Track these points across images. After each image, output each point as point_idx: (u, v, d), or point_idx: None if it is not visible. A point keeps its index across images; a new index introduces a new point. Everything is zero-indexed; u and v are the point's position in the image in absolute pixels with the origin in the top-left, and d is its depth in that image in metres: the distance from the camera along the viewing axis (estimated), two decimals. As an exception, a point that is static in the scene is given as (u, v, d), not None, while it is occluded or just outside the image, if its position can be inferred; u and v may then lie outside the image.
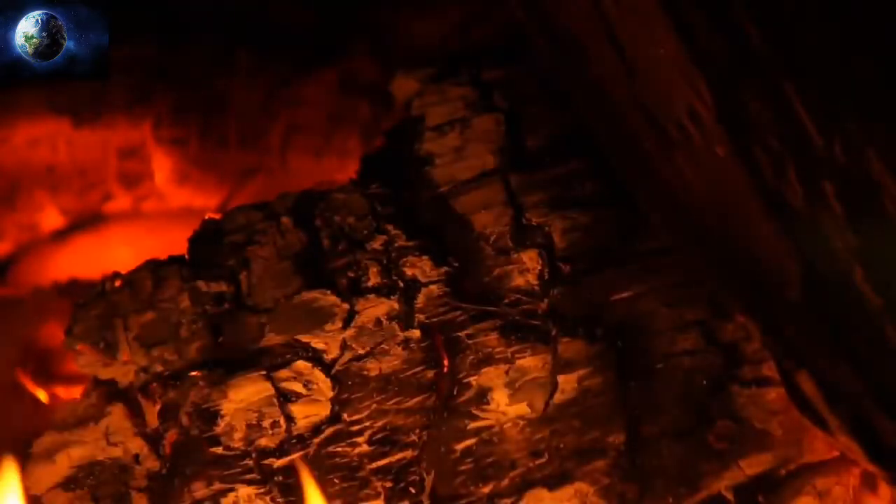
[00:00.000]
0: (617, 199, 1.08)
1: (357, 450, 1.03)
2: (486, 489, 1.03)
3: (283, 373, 1.03)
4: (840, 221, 0.75)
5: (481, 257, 1.07)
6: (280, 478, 1.03)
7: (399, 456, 1.03)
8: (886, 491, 1.04)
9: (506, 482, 1.03)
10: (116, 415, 1.03)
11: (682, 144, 0.85)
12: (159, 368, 1.04)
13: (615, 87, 0.92)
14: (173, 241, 1.12)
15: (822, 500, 1.05)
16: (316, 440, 1.03)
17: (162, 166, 1.37)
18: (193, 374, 1.03)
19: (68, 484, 1.03)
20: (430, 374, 1.04)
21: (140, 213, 1.40)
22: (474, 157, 1.09)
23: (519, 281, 1.06)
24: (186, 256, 1.08)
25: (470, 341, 1.05)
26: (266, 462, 1.03)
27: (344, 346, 1.04)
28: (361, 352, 1.04)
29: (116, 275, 1.07)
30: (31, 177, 1.35)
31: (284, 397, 1.03)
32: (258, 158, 1.37)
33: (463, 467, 1.03)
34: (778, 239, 0.81)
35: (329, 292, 1.04)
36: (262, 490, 1.02)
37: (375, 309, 1.05)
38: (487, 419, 1.04)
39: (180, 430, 1.03)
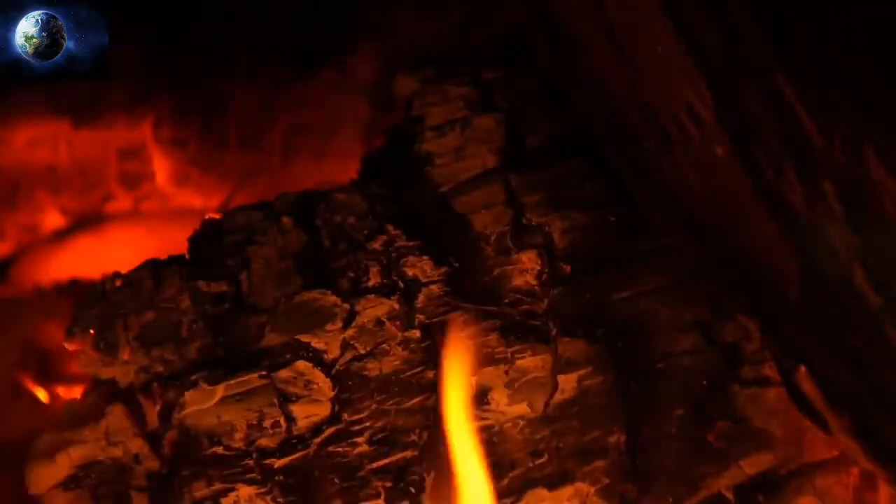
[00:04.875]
0: (617, 199, 1.08)
1: (357, 450, 1.03)
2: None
3: (284, 373, 1.03)
4: (840, 221, 0.75)
5: (481, 257, 1.07)
6: (280, 478, 1.02)
7: (399, 456, 1.03)
8: (886, 491, 1.04)
9: (506, 482, 1.03)
10: (116, 415, 1.03)
11: (682, 144, 0.84)
12: (159, 368, 1.04)
13: (615, 87, 0.92)
14: (173, 241, 1.12)
15: (822, 500, 1.05)
16: (316, 440, 1.03)
17: (162, 166, 1.36)
18: (194, 377, 1.03)
19: (68, 484, 1.02)
20: (430, 374, 1.04)
21: (140, 214, 1.39)
22: (474, 157, 1.09)
23: (519, 281, 1.06)
24: (186, 256, 1.08)
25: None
26: (266, 462, 1.03)
27: (344, 346, 1.04)
28: (362, 352, 1.04)
29: (116, 275, 1.07)
30: (31, 177, 1.35)
31: (285, 397, 1.03)
32: (259, 159, 1.37)
33: (463, 467, 1.03)
34: (778, 239, 0.81)
35: (329, 292, 1.04)
36: (262, 490, 1.02)
37: (376, 309, 1.05)
38: (487, 419, 1.04)
39: (180, 430, 1.03)
